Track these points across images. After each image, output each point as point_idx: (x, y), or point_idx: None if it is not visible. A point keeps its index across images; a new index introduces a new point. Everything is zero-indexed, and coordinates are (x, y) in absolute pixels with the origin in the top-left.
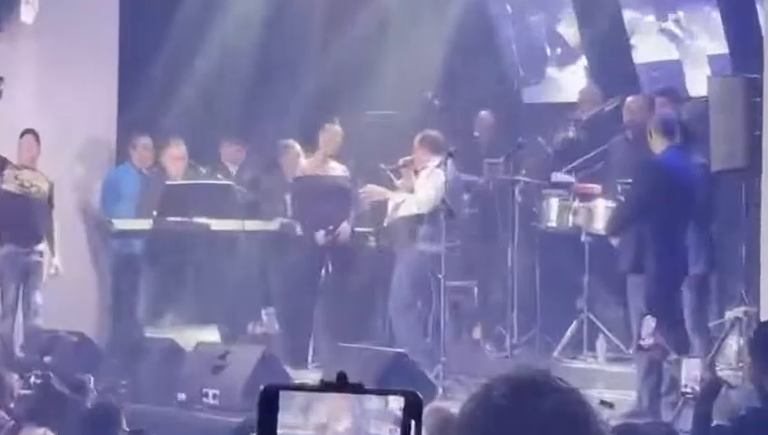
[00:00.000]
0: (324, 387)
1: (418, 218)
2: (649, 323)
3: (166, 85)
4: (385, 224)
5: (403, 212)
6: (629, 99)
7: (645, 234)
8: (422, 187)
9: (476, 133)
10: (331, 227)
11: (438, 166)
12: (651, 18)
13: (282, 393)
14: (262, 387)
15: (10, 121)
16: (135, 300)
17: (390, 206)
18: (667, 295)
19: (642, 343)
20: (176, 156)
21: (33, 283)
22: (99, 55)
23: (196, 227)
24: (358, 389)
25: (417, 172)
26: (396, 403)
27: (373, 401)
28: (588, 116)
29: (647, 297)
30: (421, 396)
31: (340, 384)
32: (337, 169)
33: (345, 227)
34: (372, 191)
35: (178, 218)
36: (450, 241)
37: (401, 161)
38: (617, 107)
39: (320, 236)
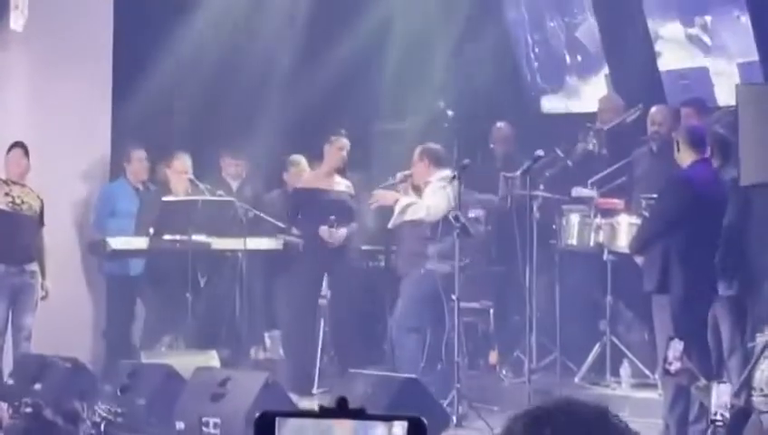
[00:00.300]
0: (323, 413)
1: (432, 234)
2: (676, 346)
3: (163, 97)
4: (390, 226)
5: (410, 216)
6: (653, 109)
7: (671, 252)
8: (432, 195)
9: (492, 145)
10: (333, 218)
11: (448, 180)
12: (677, 24)
13: (280, 420)
14: (257, 414)
15: None
16: (131, 324)
17: (398, 208)
18: (695, 317)
19: (669, 367)
20: (180, 170)
21: (23, 305)
22: (92, 64)
23: (195, 246)
24: (359, 414)
25: (418, 188)
26: (400, 429)
27: (377, 428)
28: (609, 126)
29: (673, 319)
30: (426, 421)
31: (340, 410)
32: (341, 184)
33: (352, 226)
34: (383, 196)
35: (177, 237)
36: (464, 260)
37: (399, 176)
38: (640, 117)
39: (323, 231)
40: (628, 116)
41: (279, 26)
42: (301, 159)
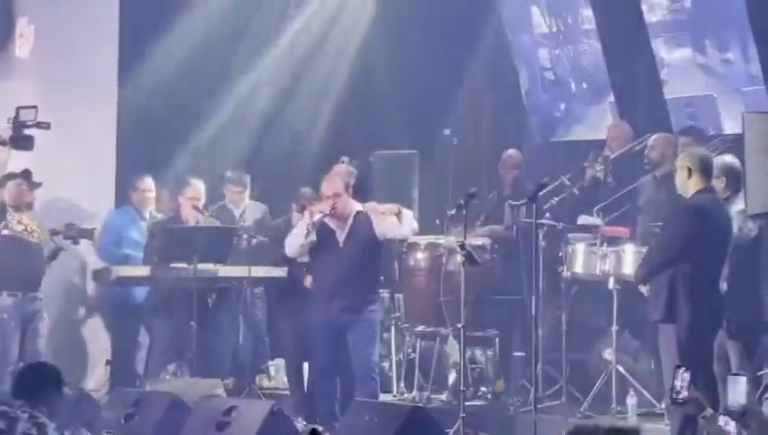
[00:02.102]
0: None
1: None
2: (684, 375)
3: (168, 125)
4: (402, 237)
5: (392, 231)
6: (654, 137)
7: (678, 281)
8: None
9: (501, 172)
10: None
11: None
12: (682, 51)
13: None
14: None
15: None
16: (135, 352)
17: (408, 219)
18: (701, 346)
19: (677, 396)
20: (192, 197)
21: (34, 333)
22: (97, 90)
23: (200, 274)
24: None
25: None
26: None
27: None
28: (615, 155)
29: (680, 348)
30: None
31: None
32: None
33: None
34: (373, 208)
35: (182, 265)
36: (471, 288)
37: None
38: (643, 142)
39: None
40: (636, 145)
41: (280, 52)
42: (308, 191)
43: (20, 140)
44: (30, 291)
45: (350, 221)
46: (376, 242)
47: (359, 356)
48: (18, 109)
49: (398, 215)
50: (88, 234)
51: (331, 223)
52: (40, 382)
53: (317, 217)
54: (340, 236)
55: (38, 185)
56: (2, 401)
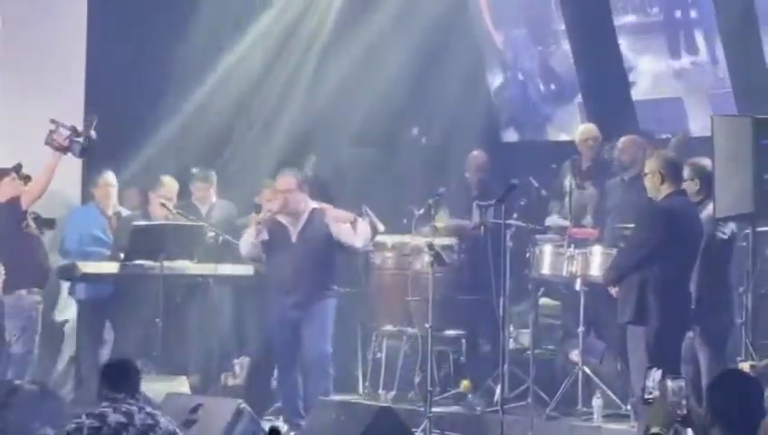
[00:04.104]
0: None
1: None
2: (655, 374)
3: (135, 120)
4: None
5: (344, 238)
6: (623, 139)
7: (648, 283)
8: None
9: (467, 174)
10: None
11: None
12: (651, 53)
13: None
14: None
15: None
16: (100, 348)
17: (363, 229)
18: (670, 348)
19: (648, 396)
20: (164, 194)
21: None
22: (63, 84)
23: (166, 271)
24: None
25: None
26: None
27: None
28: (588, 165)
29: (648, 350)
30: None
31: None
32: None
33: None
34: (328, 211)
35: (148, 262)
36: (438, 288)
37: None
38: (612, 147)
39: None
40: (605, 152)
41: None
42: (272, 183)
43: (86, 151)
44: (37, 286)
45: (305, 218)
46: (330, 240)
47: (311, 352)
48: (89, 119)
49: (353, 223)
50: (50, 223)
51: (284, 220)
52: (132, 376)
53: (263, 215)
54: (293, 233)
55: (29, 178)
56: (104, 396)
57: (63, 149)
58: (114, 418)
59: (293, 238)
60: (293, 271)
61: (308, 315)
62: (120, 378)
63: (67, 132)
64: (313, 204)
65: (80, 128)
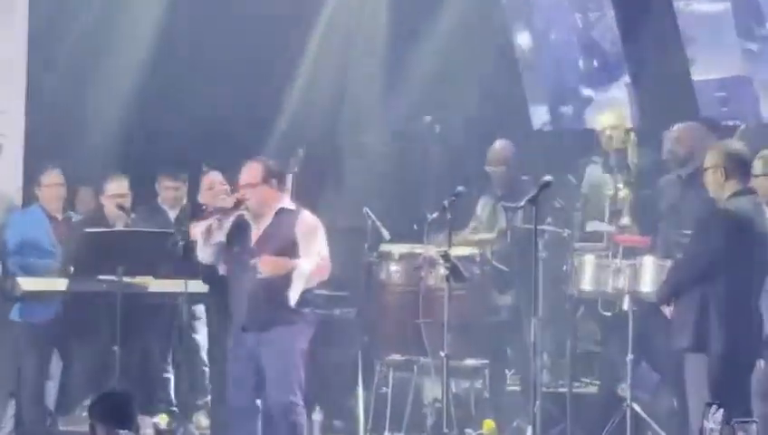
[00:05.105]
0: None
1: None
2: (716, 414)
3: (85, 107)
4: (293, 304)
5: (309, 284)
6: (679, 127)
7: (709, 302)
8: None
9: (489, 168)
10: None
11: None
12: (713, 24)
13: None
14: None
15: None
16: (45, 382)
17: (299, 276)
18: (737, 381)
19: None
20: (116, 195)
21: None
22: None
23: (125, 288)
24: None
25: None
26: None
27: None
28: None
29: (711, 383)
30: None
31: None
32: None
33: None
34: (273, 264)
35: (104, 277)
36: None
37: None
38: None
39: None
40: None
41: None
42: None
43: None
44: None
45: (270, 218)
46: (295, 246)
47: (269, 394)
48: None
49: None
50: None
51: (249, 217)
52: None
53: (214, 215)
54: (255, 234)
55: None
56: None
57: None
58: None
59: (253, 241)
60: (250, 282)
61: (266, 344)
62: (125, 411)
63: None
64: (283, 202)
65: None
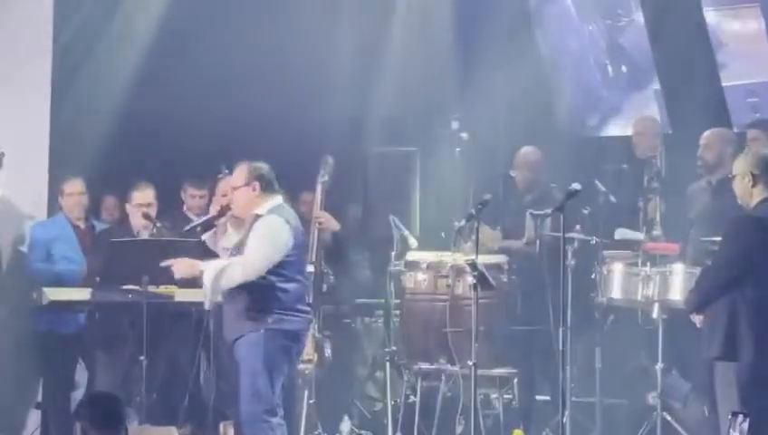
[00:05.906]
0: None
1: None
2: (741, 424)
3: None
4: (208, 307)
5: (227, 285)
6: (707, 133)
7: (740, 310)
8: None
9: (515, 174)
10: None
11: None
12: (744, 26)
13: None
14: None
15: None
16: (71, 392)
17: (207, 280)
18: None
19: None
20: (142, 204)
21: None
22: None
23: (151, 298)
24: None
25: (241, 223)
26: None
27: None
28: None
29: (741, 393)
30: None
31: None
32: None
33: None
34: (181, 266)
35: (130, 286)
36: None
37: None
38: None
39: None
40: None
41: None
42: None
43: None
44: None
45: (247, 225)
46: None
47: (237, 394)
48: None
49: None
50: None
51: (234, 223)
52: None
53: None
54: (234, 240)
55: None
56: None
57: None
58: None
59: (230, 247)
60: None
61: (235, 355)
62: (112, 413)
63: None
64: (261, 209)
65: None
